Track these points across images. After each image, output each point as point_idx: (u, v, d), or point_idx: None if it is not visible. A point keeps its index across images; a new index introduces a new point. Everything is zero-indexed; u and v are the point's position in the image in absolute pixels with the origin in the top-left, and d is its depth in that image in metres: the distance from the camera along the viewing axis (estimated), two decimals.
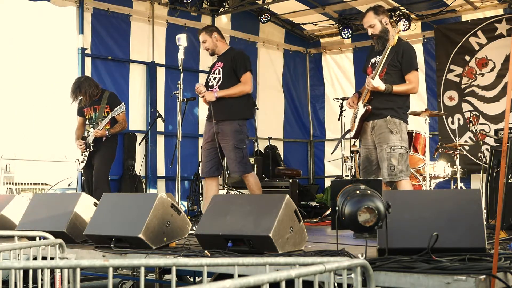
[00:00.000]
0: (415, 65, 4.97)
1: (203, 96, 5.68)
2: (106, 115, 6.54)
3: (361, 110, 4.97)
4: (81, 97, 6.61)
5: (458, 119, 8.68)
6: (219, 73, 5.72)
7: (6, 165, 16.02)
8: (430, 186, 6.37)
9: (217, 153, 5.61)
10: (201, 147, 5.87)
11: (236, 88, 5.61)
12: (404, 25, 8.48)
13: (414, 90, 4.97)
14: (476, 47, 8.60)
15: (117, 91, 7.46)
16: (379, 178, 4.25)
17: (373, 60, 5.09)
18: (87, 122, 6.72)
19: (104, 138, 6.49)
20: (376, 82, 4.81)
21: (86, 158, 6.58)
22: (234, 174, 5.63)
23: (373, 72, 4.92)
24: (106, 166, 6.59)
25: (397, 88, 4.86)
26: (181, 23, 8.76)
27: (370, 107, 4.91)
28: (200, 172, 5.85)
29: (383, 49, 4.89)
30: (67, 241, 3.81)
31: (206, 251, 3.63)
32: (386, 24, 5.00)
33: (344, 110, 8.22)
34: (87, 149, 6.56)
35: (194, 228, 4.21)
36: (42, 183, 16.71)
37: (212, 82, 5.74)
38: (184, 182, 8.47)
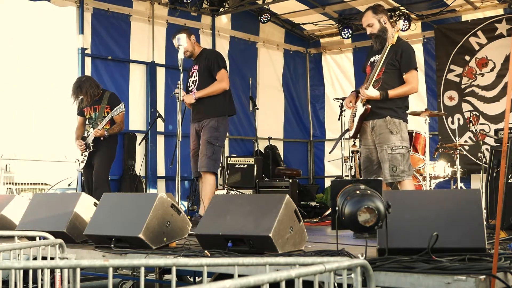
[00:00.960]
0: (414, 65, 4.96)
1: (183, 101, 5.71)
2: (106, 115, 6.54)
3: (360, 109, 4.96)
4: (82, 96, 6.61)
5: (458, 119, 8.68)
6: (196, 76, 5.89)
7: (6, 165, 16.02)
8: (430, 186, 6.37)
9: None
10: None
11: (213, 87, 5.76)
12: (404, 24, 8.48)
13: (412, 90, 4.95)
14: (476, 47, 8.60)
15: (117, 91, 7.46)
16: (379, 178, 4.25)
17: (372, 59, 5.08)
18: (87, 122, 6.73)
19: (102, 138, 6.49)
20: (369, 92, 4.82)
21: (86, 158, 6.58)
22: (200, 169, 5.67)
23: (371, 72, 4.91)
24: (106, 166, 6.60)
25: (392, 92, 4.85)
26: (181, 23, 8.75)
27: (370, 106, 4.90)
28: (192, 173, 5.97)
29: (382, 48, 4.89)
30: (67, 241, 3.81)
31: (206, 251, 3.63)
32: (385, 23, 5.00)
33: (344, 110, 8.21)
34: (87, 149, 6.56)
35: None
36: (42, 183, 16.71)
37: (191, 86, 5.92)
38: (184, 182, 8.47)
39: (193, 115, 5.84)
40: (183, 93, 5.69)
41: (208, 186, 5.66)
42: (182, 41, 5.51)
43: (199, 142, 5.78)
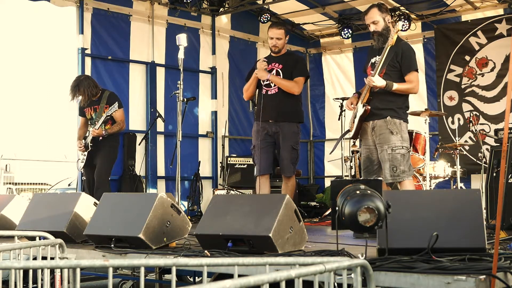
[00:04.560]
0: (415, 66, 4.96)
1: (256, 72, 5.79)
2: None
3: (360, 110, 4.96)
4: (80, 96, 6.60)
5: (458, 119, 8.68)
6: (277, 74, 5.79)
7: (6, 165, 16.01)
8: (430, 186, 6.37)
9: (271, 151, 5.79)
10: (252, 147, 5.92)
11: (289, 83, 5.71)
12: (403, 25, 8.47)
13: (414, 90, 4.97)
14: (476, 47, 8.60)
15: (117, 91, 7.46)
16: (379, 178, 4.25)
17: (372, 60, 5.08)
18: (89, 122, 6.73)
19: (101, 138, 6.48)
20: (376, 79, 4.80)
21: (85, 158, 6.58)
22: (285, 173, 5.77)
23: (372, 71, 4.92)
24: (108, 166, 6.59)
25: (397, 85, 4.84)
26: (181, 23, 8.76)
27: (369, 107, 4.90)
28: (255, 171, 5.87)
29: (383, 47, 4.88)
30: (67, 241, 3.81)
31: (206, 251, 3.63)
32: (389, 22, 4.99)
33: (344, 110, 8.21)
34: (86, 149, 6.56)
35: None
36: (42, 183, 16.69)
37: (268, 81, 5.80)
38: (184, 182, 8.47)
39: (269, 113, 5.71)
40: (263, 66, 5.73)
41: (292, 188, 5.82)
42: (182, 41, 5.49)
43: (267, 141, 5.74)
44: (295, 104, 5.81)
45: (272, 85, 5.77)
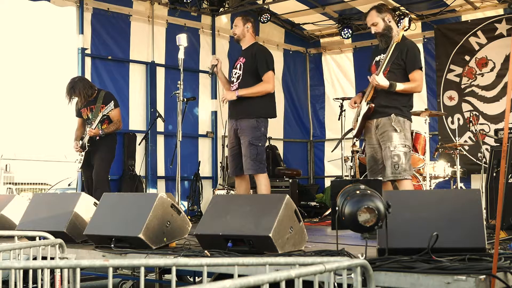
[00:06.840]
0: (419, 64, 4.96)
1: (224, 98, 5.60)
2: None
3: (364, 108, 4.95)
4: (76, 98, 6.58)
5: (458, 119, 8.68)
6: (240, 69, 5.63)
7: (6, 165, 16.03)
8: (430, 186, 6.37)
9: (239, 151, 5.54)
10: (226, 145, 5.79)
11: (257, 88, 5.50)
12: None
13: (418, 89, 4.95)
14: (476, 47, 8.60)
15: (117, 91, 7.45)
16: (379, 178, 4.24)
17: (377, 58, 5.06)
18: (86, 123, 6.72)
19: (97, 138, 6.47)
20: (380, 79, 4.79)
21: (82, 158, 6.58)
22: (247, 172, 5.49)
23: (377, 69, 4.91)
24: (106, 166, 6.58)
25: (400, 85, 4.82)
26: (181, 23, 8.76)
27: (373, 105, 4.88)
28: (229, 172, 5.75)
29: (387, 47, 4.88)
30: (67, 241, 3.81)
31: (206, 251, 3.63)
32: (389, 21, 4.99)
33: (344, 110, 8.21)
34: (83, 150, 6.55)
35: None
36: (42, 183, 16.72)
37: (233, 77, 5.66)
38: (184, 182, 8.47)
39: (230, 111, 5.63)
40: (225, 92, 5.56)
41: (262, 188, 5.47)
42: (183, 41, 5.48)
43: (237, 140, 5.58)
44: (255, 99, 5.50)
45: (234, 81, 5.62)
